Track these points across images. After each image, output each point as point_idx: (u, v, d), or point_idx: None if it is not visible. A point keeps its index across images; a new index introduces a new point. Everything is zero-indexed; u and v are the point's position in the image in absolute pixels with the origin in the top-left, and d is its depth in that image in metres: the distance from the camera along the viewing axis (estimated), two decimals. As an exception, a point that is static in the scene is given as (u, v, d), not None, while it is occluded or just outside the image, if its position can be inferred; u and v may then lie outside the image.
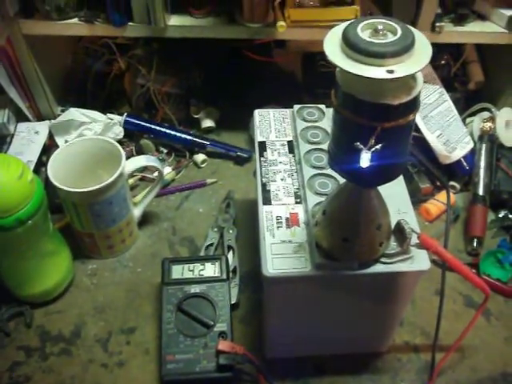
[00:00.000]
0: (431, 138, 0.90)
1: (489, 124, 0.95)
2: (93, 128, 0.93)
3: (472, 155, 0.92)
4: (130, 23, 0.86)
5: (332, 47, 0.41)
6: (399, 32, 0.40)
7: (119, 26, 0.86)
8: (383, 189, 0.52)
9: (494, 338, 0.74)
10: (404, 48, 0.39)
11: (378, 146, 0.42)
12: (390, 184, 0.49)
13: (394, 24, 0.41)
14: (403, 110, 0.41)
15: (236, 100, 1.04)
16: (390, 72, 0.38)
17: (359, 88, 0.41)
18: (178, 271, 0.74)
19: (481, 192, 0.88)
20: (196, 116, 1.02)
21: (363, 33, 0.40)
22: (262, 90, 1.04)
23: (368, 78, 0.38)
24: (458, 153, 0.90)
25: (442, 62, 1.02)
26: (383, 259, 0.56)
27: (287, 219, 0.60)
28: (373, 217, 0.52)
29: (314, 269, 0.55)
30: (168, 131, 0.98)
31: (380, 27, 0.40)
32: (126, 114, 0.97)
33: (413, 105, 0.42)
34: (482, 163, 0.91)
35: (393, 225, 0.56)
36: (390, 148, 0.43)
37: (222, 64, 1.05)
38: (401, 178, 0.63)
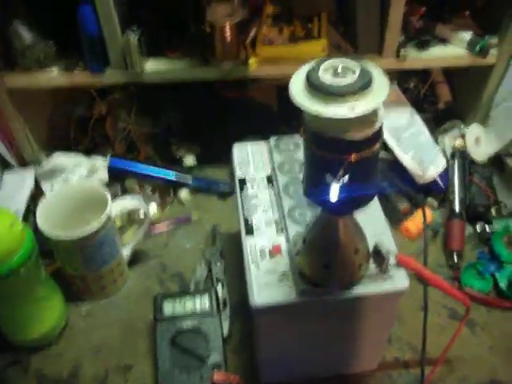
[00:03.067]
0: (406, 159, 0.93)
1: (459, 141, 0.98)
2: (78, 172, 0.96)
3: (446, 172, 0.95)
4: (108, 69, 0.88)
5: (297, 89, 0.44)
6: (358, 71, 0.43)
7: (97, 72, 0.88)
8: (358, 212, 0.54)
9: (480, 347, 0.76)
10: (362, 86, 0.42)
11: (345, 178, 0.44)
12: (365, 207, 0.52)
13: (352, 63, 0.44)
14: (367, 142, 0.44)
15: (216, 134, 1.06)
16: (351, 110, 0.41)
17: (324, 125, 0.44)
18: (169, 307, 0.75)
19: (457, 207, 0.91)
20: (177, 154, 1.04)
21: (324, 74, 0.43)
22: (240, 123, 1.06)
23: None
24: (433, 171, 0.94)
25: (411, 84, 1.07)
26: (364, 281, 0.58)
27: (270, 250, 0.62)
28: (350, 242, 0.54)
29: (298, 296, 0.57)
30: (151, 172, 0.99)
31: (339, 69, 0.43)
32: (109, 156, 0.99)
33: (376, 137, 0.45)
34: (456, 179, 0.94)
35: (371, 247, 0.59)
36: (358, 178, 0.46)
37: (199, 101, 1.08)
38: (375, 199, 0.66)
